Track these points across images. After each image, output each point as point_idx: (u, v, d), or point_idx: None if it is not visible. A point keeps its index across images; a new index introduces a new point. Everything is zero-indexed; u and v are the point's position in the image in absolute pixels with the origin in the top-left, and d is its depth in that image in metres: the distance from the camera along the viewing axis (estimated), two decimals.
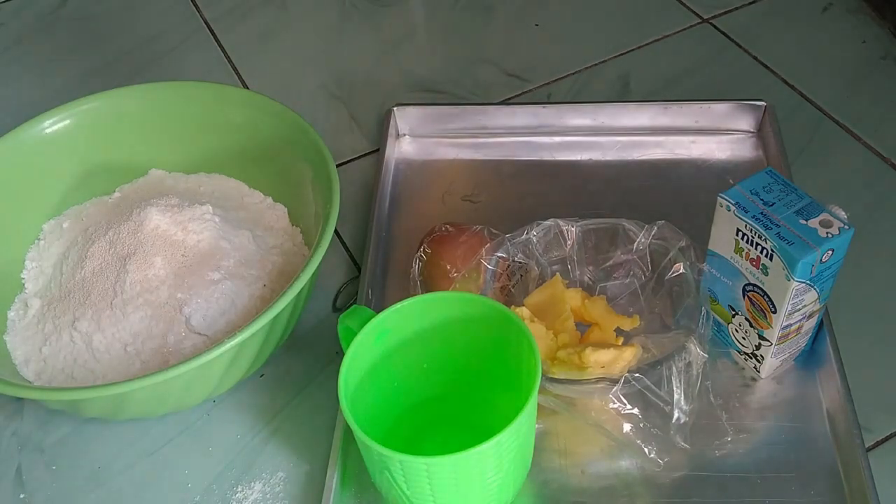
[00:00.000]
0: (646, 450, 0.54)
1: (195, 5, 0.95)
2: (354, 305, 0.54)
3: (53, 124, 0.67)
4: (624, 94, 0.81)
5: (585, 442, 0.56)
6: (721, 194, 0.54)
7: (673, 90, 0.80)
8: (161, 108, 0.69)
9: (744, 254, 0.54)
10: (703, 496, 0.54)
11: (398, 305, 0.52)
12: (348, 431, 0.56)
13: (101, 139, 0.68)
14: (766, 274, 0.53)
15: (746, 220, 0.53)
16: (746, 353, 0.59)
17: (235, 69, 0.87)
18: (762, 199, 0.53)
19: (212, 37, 0.92)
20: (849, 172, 0.72)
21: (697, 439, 0.55)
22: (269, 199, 0.69)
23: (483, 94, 0.82)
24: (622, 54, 0.85)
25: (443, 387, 0.56)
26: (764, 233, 0.52)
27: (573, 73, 0.84)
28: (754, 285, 0.55)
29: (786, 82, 0.80)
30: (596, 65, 0.84)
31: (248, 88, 0.85)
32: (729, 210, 0.54)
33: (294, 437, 0.59)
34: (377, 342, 0.52)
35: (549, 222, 0.61)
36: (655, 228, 0.60)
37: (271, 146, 0.67)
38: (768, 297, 0.54)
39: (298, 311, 0.59)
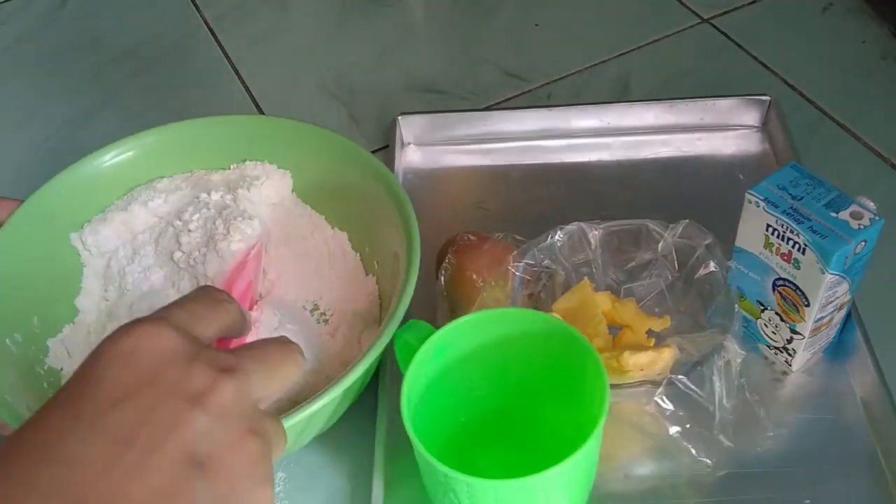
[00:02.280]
0: (693, 451, 0.54)
1: (195, 5, 0.95)
2: (412, 320, 0.52)
3: (113, 157, 0.63)
4: (624, 94, 0.81)
5: (626, 446, 0.56)
6: (749, 191, 0.54)
7: (673, 90, 0.80)
8: (221, 141, 0.65)
9: (774, 249, 0.54)
10: (748, 493, 0.54)
11: (458, 321, 0.50)
12: (389, 447, 0.55)
13: (156, 171, 0.65)
14: (798, 268, 0.53)
15: (777, 215, 0.53)
16: (777, 348, 0.59)
17: (235, 69, 0.87)
18: (790, 194, 0.54)
19: (212, 37, 0.92)
20: (849, 172, 0.72)
21: (738, 436, 0.55)
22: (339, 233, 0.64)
23: (483, 93, 0.82)
24: (622, 54, 0.85)
25: (495, 402, 0.55)
26: (796, 227, 0.52)
27: (573, 73, 0.84)
28: (785, 280, 0.55)
29: (786, 82, 0.80)
30: (596, 65, 0.84)
31: (248, 89, 0.85)
32: (758, 206, 0.54)
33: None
34: (436, 358, 0.50)
35: (572, 226, 0.60)
36: (680, 227, 0.60)
37: (345, 185, 0.63)
38: (801, 290, 0.54)
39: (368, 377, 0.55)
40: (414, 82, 0.85)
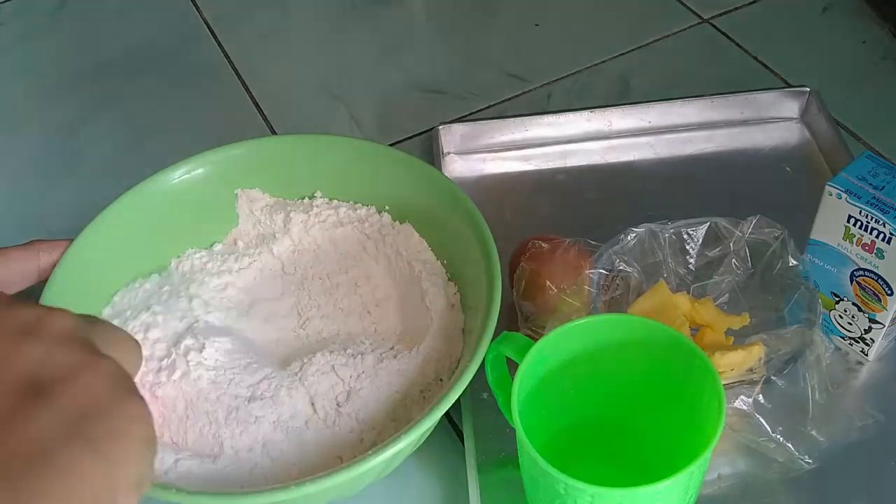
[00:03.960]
0: (793, 449, 0.53)
1: (195, 5, 0.95)
2: (505, 332, 0.51)
3: (182, 175, 0.61)
4: (624, 94, 0.81)
5: (720, 445, 0.55)
6: (829, 183, 0.55)
7: (673, 90, 0.80)
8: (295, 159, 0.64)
9: (855, 240, 0.55)
10: (846, 488, 0.54)
11: (557, 330, 0.49)
12: (479, 459, 0.55)
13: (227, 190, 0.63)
14: (882, 258, 0.54)
15: (861, 206, 0.53)
16: (852, 338, 0.59)
17: (235, 69, 0.87)
18: (871, 184, 0.54)
19: (212, 37, 0.92)
20: None
21: (830, 430, 0.55)
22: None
23: (483, 93, 0.82)
24: (622, 54, 0.85)
25: (587, 411, 0.54)
26: (881, 217, 0.53)
27: (573, 73, 0.84)
28: (865, 270, 0.55)
29: (786, 82, 0.80)
30: (596, 65, 0.84)
31: (248, 89, 0.85)
32: (840, 198, 0.54)
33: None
34: (536, 369, 0.49)
35: (641, 228, 0.59)
36: (752, 223, 0.59)
37: (426, 214, 0.61)
38: (883, 280, 0.55)
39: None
40: (414, 82, 0.85)
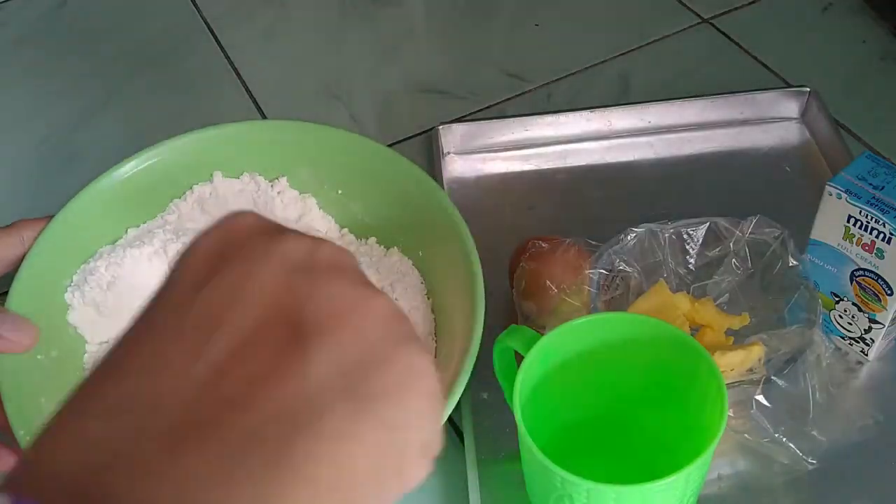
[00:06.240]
0: (795, 449, 0.54)
1: (195, 5, 0.95)
2: (514, 325, 0.52)
3: (137, 167, 0.63)
4: (624, 94, 0.81)
5: (720, 446, 0.54)
6: (829, 182, 0.55)
7: (673, 90, 0.80)
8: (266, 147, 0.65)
9: (854, 240, 0.55)
10: (846, 488, 0.54)
11: (565, 326, 0.49)
12: (479, 456, 0.55)
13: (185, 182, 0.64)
14: (882, 258, 0.54)
15: (860, 206, 0.53)
16: (852, 338, 0.59)
17: (235, 69, 0.87)
18: (871, 184, 0.54)
19: (212, 37, 0.92)
20: None
21: (831, 430, 0.55)
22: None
23: (483, 93, 0.82)
24: (622, 54, 0.85)
25: (591, 409, 0.54)
26: (881, 217, 0.53)
27: (573, 73, 0.84)
28: (865, 270, 0.55)
29: (786, 82, 0.80)
30: (596, 65, 0.84)
31: (248, 89, 0.85)
32: (840, 198, 0.54)
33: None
34: (541, 363, 0.49)
35: (641, 228, 0.60)
36: (752, 223, 0.59)
37: (405, 208, 0.61)
38: (883, 280, 0.55)
39: None
40: (414, 82, 0.85)
